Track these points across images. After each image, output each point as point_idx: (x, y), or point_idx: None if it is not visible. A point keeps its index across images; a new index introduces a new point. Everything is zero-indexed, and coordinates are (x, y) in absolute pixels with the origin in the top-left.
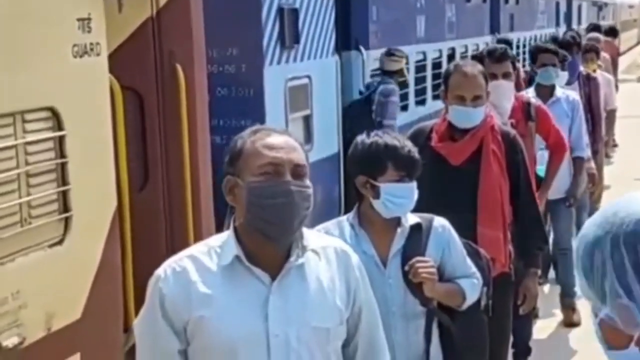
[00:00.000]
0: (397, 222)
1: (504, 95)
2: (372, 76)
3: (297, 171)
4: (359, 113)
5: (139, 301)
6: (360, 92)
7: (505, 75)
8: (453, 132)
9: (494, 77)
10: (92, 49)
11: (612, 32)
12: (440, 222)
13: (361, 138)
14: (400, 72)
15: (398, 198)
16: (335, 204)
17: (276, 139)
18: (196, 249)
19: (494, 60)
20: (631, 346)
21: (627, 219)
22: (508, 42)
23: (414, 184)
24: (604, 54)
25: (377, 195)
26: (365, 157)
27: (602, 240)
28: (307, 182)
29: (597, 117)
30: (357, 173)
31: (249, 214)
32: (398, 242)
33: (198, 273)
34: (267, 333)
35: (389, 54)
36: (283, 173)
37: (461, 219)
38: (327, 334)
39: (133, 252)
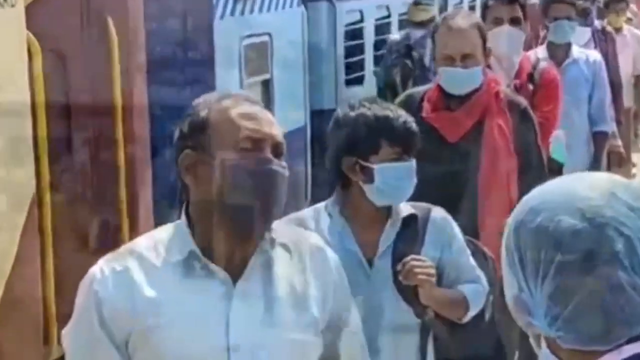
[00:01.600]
0: (387, 212)
1: (511, 45)
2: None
3: (278, 149)
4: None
5: (63, 306)
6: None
7: (514, 21)
8: (448, 101)
9: (500, 22)
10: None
11: None
12: (439, 213)
13: (343, 111)
14: (430, 21)
15: (396, 180)
16: (300, 188)
17: (250, 108)
18: (140, 243)
19: (501, 1)
20: (543, 346)
21: (525, 206)
22: None
23: (413, 163)
24: (633, 6)
25: (369, 179)
26: (353, 134)
27: (507, 228)
28: (284, 163)
29: (617, 81)
30: (343, 154)
31: (220, 196)
32: (388, 237)
33: (143, 273)
34: (227, 345)
35: (416, 2)
36: (263, 149)
37: (460, 207)
38: (301, 346)
39: (54, 247)
